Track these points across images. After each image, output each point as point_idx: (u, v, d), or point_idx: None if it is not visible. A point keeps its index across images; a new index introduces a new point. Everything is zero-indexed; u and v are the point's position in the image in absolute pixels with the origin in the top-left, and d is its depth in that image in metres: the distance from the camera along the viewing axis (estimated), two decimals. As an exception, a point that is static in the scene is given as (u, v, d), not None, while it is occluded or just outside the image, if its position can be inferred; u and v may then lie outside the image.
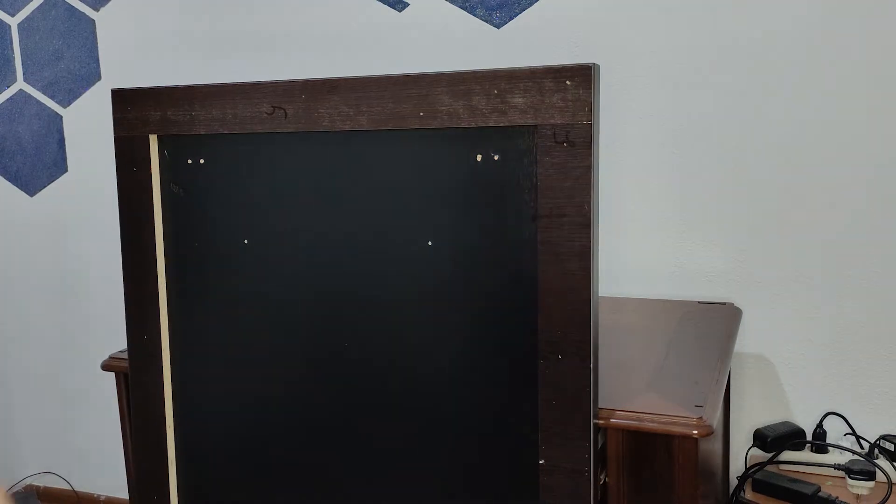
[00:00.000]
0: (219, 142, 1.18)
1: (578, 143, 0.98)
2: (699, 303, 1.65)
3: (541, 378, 1.03)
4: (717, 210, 1.66)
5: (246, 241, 1.18)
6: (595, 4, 1.68)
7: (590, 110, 0.97)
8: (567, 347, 1.01)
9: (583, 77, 0.97)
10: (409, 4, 1.82)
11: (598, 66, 0.99)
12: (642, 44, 1.66)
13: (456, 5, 1.78)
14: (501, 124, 1.00)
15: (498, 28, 1.76)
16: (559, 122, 0.98)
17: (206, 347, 1.25)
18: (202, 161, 1.20)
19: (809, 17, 1.54)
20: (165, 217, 1.23)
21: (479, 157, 1.03)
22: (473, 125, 1.02)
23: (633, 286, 1.74)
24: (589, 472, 1.03)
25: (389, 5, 1.84)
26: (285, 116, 1.11)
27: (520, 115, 1.00)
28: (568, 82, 0.97)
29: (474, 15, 1.77)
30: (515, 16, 1.75)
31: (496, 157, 1.02)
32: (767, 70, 1.58)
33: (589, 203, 0.99)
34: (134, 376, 1.29)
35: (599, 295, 1.74)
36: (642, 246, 1.72)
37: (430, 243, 1.07)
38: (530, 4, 1.73)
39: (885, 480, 1.45)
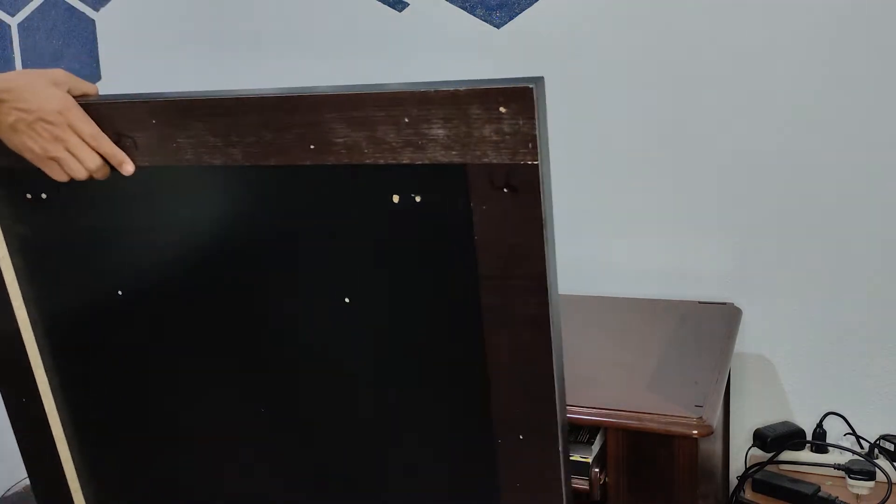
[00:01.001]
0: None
1: (522, 188, 0.74)
2: (699, 303, 1.64)
3: (501, 461, 0.85)
4: (717, 210, 1.65)
5: (120, 293, 0.96)
6: (595, 4, 1.68)
7: (535, 146, 0.73)
8: (529, 426, 0.83)
9: (522, 102, 0.71)
10: (408, 4, 1.82)
11: (542, 82, 0.73)
12: (642, 43, 1.66)
13: (456, 5, 1.78)
14: (419, 162, 0.76)
15: (498, 28, 1.76)
16: (495, 161, 0.74)
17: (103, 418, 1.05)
18: (44, 196, 0.95)
19: (809, 18, 1.54)
20: (17, 265, 1.00)
21: (395, 199, 0.79)
22: (381, 162, 0.77)
23: (633, 286, 1.73)
24: None
25: (389, 5, 1.83)
26: (135, 147, 0.87)
27: (442, 151, 0.75)
28: (502, 109, 0.72)
29: (474, 15, 1.77)
30: (515, 16, 1.74)
31: (417, 199, 0.79)
32: (767, 69, 1.58)
33: (543, 262, 0.77)
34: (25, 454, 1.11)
35: (600, 295, 1.74)
36: (642, 246, 1.72)
37: (346, 300, 0.85)
38: (530, 4, 1.73)
39: (885, 480, 1.45)
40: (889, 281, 1.57)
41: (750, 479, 1.50)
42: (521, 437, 0.83)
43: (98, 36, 2.14)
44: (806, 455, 1.56)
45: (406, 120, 0.75)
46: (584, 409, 1.14)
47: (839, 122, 1.56)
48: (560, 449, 0.83)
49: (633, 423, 1.11)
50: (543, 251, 0.77)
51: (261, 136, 0.80)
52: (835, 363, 1.62)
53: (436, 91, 0.73)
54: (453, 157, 0.75)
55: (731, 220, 1.65)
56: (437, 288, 0.82)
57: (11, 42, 2.23)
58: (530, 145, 0.73)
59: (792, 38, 1.56)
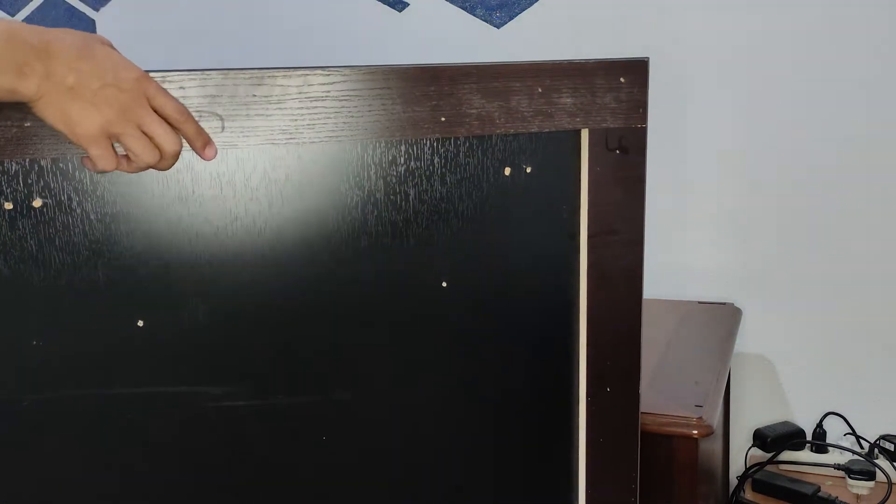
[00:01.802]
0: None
1: (632, 149, 0.86)
2: (699, 303, 1.64)
3: (588, 416, 0.90)
4: (717, 210, 1.65)
5: (141, 324, 0.78)
6: (595, 4, 1.68)
7: (644, 111, 0.86)
8: (615, 378, 0.90)
9: (638, 73, 0.85)
10: (409, 4, 1.82)
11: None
12: (643, 42, 1.65)
13: (456, 5, 1.78)
14: (546, 129, 0.83)
15: (498, 28, 1.76)
16: (612, 126, 0.85)
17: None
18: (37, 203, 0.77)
19: (809, 18, 1.54)
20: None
21: (507, 171, 0.84)
22: (511, 131, 0.82)
23: (633, 286, 1.73)
24: (636, 500, 0.94)
25: (389, 5, 1.83)
26: (221, 129, 0.79)
27: (568, 118, 0.83)
28: (622, 79, 0.84)
29: (474, 15, 1.77)
30: (515, 16, 1.74)
31: (528, 170, 0.84)
32: (768, 69, 1.58)
33: (642, 219, 0.89)
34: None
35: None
36: (642, 246, 1.72)
37: (444, 284, 0.85)
38: (530, 4, 1.73)
39: (885, 480, 1.45)
40: (889, 281, 1.57)
41: (750, 479, 1.50)
42: (608, 389, 0.89)
43: (98, 36, 2.14)
44: (806, 455, 1.56)
45: (539, 90, 0.82)
46: (585, 409, 1.14)
47: (839, 122, 1.55)
48: (639, 394, 0.90)
49: (634, 423, 1.11)
50: (643, 208, 0.89)
51: (392, 108, 0.81)
52: (835, 363, 1.62)
53: (569, 62, 0.82)
54: (577, 123, 0.83)
55: (731, 220, 1.65)
56: (534, 253, 0.87)
57: (11, 42, 2.23)
58: (641, 110, 0.86)
59: (792, 37, 1.56)
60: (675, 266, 1.70)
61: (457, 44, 1.79)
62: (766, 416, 1.67)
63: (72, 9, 2.15)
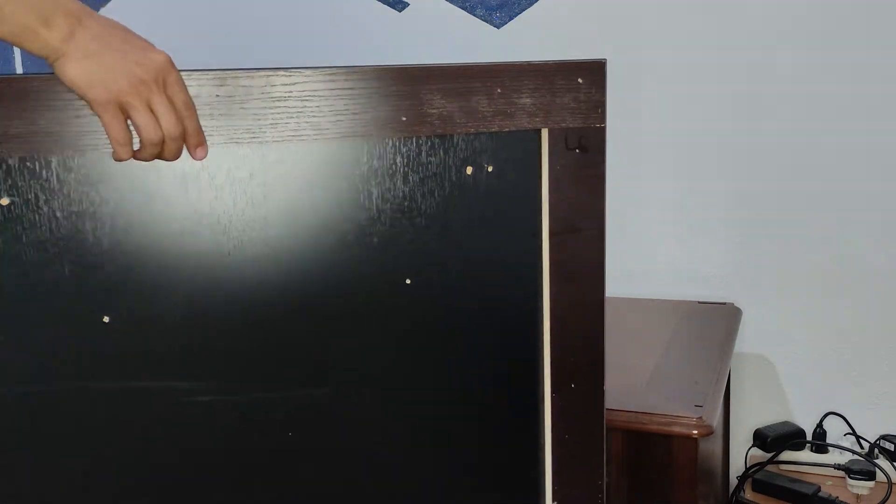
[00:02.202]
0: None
1: (591, 148, 0.87)
2: (699, 303, 1.64)
3: (553, 413, 0.91)
4: (717, 210, 1.65)
5: (107, 320, 0.78)
6: (595, 4, 1.68)
7: (603, 112, 0.88)
8: (579, 375, 0.92)
9: (596, 74, 0.87)
10: (409, 4, 1.82)
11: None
12: (643, 45, 1.66)
13: (456, 5, 1.78)
14: (506, 129, 0.85)
15: (498, 28, 1.76)
16: (571, 125, 0.87)
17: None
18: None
19: (811, 18, 1.54)
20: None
21: (469, 171, 0.86)
22: (472, 131, 0.85)
23: (633, 286, 1.73)
24: (603, 496, 0.96)
25: (389, 5, 1.83)
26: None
27: (528, 118, 0.86)
28: (580, 80, 0.86)
29: (474, 15, 1.77)
30: (515, 16, 1.74)
31: (490, 169, 0.86)
32: (768, 69, 1.58)
33: (603, 217, 0.90)
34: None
35: (599, 295, 1.74)
36: (642, 246, 1.72)
37: (408, 282, 0.86)
38: (530, 4, 1.73)
39: (885, 480, 1.45)
40: (889, 281, 1.57)
41: (750, 479, 1.50)
42: (573, 385, 0.91)
43: (98, 36, 2.14)
44: (806, 455, 1.56)
45: (499, 90, 0.84)
46: (585, 409, 1.14)
47: (840, 122, 1.56)
48: (604, 399, 0.92)
49: (633, 423, 1.11)
50: (604, 206, 0.89)
51: (355, 106, 0.84)
52: (835, 363, 1.62)
53: (528, 63, 0.85)
54: (537, 122, 0.86)
55: (731, 220, 1.65)
56: (497, 253, 0.89)
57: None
58: (599, 110, 0.87)
59: (793, 37, 1.56)
60: (675, 266, 1.70)
61: (457, 44, 1.79)
62: (766, 416, 1.67)
63: (72, 9, 2.15)
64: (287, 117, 0.82)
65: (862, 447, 1.57)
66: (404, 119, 0.83)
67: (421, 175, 0.85)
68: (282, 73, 0.81)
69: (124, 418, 0.80)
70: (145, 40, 0.77)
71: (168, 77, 0.77)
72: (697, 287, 1.69)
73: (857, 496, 1.46)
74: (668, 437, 1.10)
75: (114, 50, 0.73)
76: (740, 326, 1.57)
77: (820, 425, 1.60)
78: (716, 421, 1.12)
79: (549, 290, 0.89)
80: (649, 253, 1.72)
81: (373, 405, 0.88)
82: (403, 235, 0.85)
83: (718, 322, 1.51)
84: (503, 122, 0.85)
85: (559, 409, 0.91)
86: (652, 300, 1.67)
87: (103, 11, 2.13)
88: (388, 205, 0.85)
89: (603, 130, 0.88)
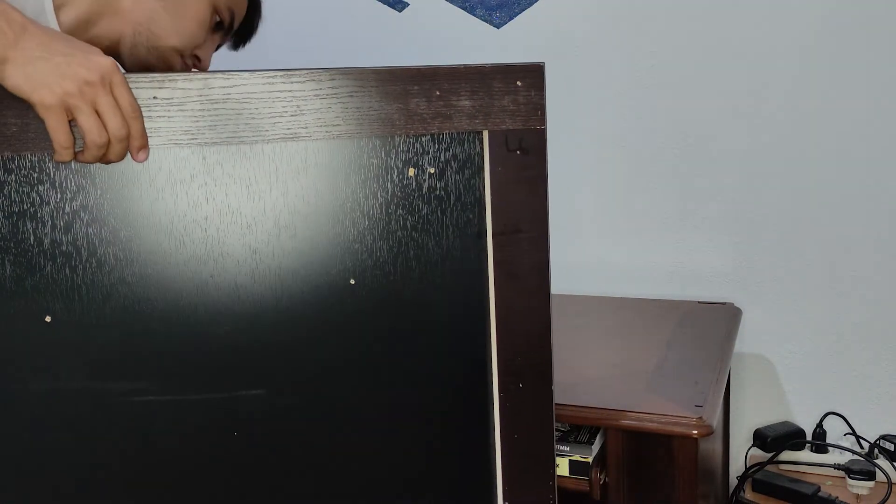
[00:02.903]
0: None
1: (532, 150, 0.88)
2: (699, 303, 1.65)
3: (502, 413, 0.92)
4: (717, 210, 1.66)
5: (48, 319, 0.79)
6: (595, 4, 1.68)
7: (543, 114, 0.89)
8: (527, 374, 0.92)
9: (534, 77, 0.88)
10: (409, 4, 1.82)
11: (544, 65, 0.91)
12: (643, 43, 1.66)
13: (456, 5, 1.78)
14: (445, 131, 0.87)
15: (498, 28, 1.76)
16: (511, 127, 0.88)
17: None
18: None
19: (809, 18, 1.54)
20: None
21: (411, 172, 0.87)
22: (411, 133, 0.86)
23: (633, 286, 1.74)
24: (554, 497, 0.95)
25: (389, 5, 1.84)
26: None
27: (467, 120, 0.87)
28: (519, 83, 0.88)
29: (474, 15, 1.77)
30: (515, 16, 1.74)
31: (431, 171, 0.87)
32: (768, 69, 1.58)
33: (546, 218, 0.90)
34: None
35: (600, 295, 1.74)
36: (642, 246, 1.72)
37: (352, 282, 0.87)
38: (530, 4, 1.73)
39: (885, 480, 1.45)
40: (889, 281, 1.57)
41: (750, 479, 1.50)
42: (521, 385, 0.91)
43: (98, 36, 2.14)
44: (806, 455, 1.56)
45: (437, 93, 0.87)
46: (584, 409, 1.14)
47: (839, 122, 1.56)
48: (553, 396, 0.92)
49: (633, 423, 1.11)
50: (547, 207, 0.89)
51: (293, 110, 0.85)
52: (835, 363, 1.62)
53: (465, 66, 0.87)
54: (477, 125, 0.87)
55: (731, 220, 1.65)
56: (441, 253, 0.89)
57: (11, 42, 2.23)
58: (539, 113, 0.88)
59: (792, 38, 1.56)
60: (675, 266, 1.70)
61: (457, 44, 1.79)
62: (766, 416, 1.67)
63: (72, 9, 2.15)
64: (226, 119, 0.82)
65: (862, 447, 1.57)
66: (346, 121, 0.85)
67: (363, 177, 0.86)
68: (220, 75, 0.83)
69: (64, 418, 0.81)
70: (90, 45, 0.78)
71: (113, 78, 0.77)
72: (697, 287, 1.69)
73: (857, 496, 1.46)
74: (668, 437, 1.10)
75: (59, 54, 0.74)
76: (740, 326, 1.57)
77: (820, 425, 1.60)
78: (716, 421, 1.12)
79: (495, 291, 0.90)
80: (649, 253, 1.72)
81: (317, 407, 0.88)
82: (346, 236, 0.86)
83: (718, 322, 1.51)
84: (443, 125, 0.86)
85: (507, 409, 0.91)
86: (652, 300, 1.67)
87: (103, 11, 2.13)
88: (330, 206, 0.85)
89: (543, 132, 0.89)
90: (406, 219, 0.87)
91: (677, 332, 1.45)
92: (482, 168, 0.88)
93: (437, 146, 0.87)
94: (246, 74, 0.85)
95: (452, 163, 0.88)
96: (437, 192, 0.88)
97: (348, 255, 0.86)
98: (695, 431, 1.08)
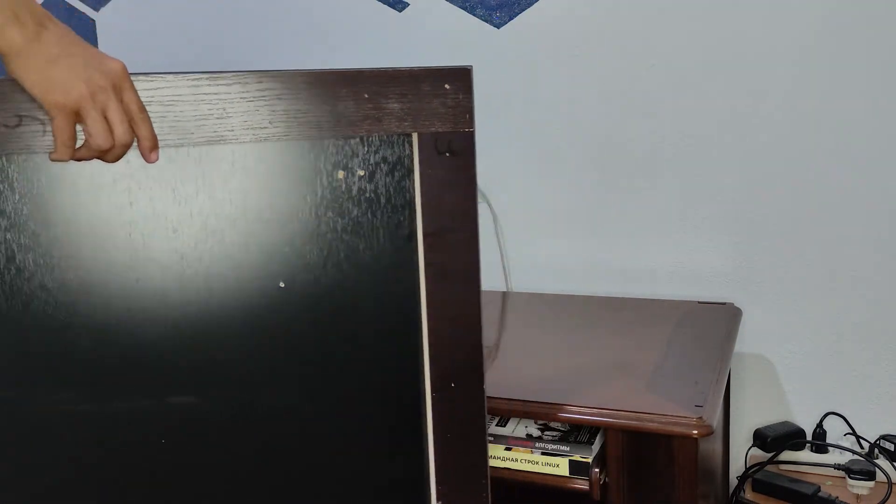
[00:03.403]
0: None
1: (461, 152, 0.90)
2: (699, 303, 1.64)
3: (434, 412, 0.93)
4: (717, 210, 1.66)
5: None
6: (595, 4, 1.68)
7: (471, 117, 0.90)
8: (459, 373, 0.93)
9: (463, 81, 0.89)
10: (409, 4, 1.82)
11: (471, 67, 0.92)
12: (643, 43, 1.66)
13: (456, 5, 1.78)
14: (375, 134, 0.87)
15: (498, 28, 1.76)
16: (440, 130, 0.89)
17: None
18: None
19: (809, 18, 1.54)
20: None
21: (340, 175, 0.87)
22: (340, 136, 0.86)
23: (633, 286, 1.73)
24: (487, 495, 0.97)
25: (389, 5, 1.83)
26: (43, 133, 0.76)
27: (397, 123, 0.87)
28: (447, 86, 0.90)
29: (474, 15, 1.77)
30: (515, 16, 1.74)
31: (361, 173, 0.88)
32: (768, 69, 1.58)
33: (475, 219, 0.91)
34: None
35: (599, 295, 1.74)
36: (642, 246, 1.72)
37: (281, 285, 0.87)
38: (530, 4, 1.73)
39: (885, 480, 1.45)
40: (889, 281, 1.57)
41: (750, 479, 1.50)
42: (453, 384, 0.93)
43: (98, 36, 2.14)
44: (806, 455, 1.56)
45: (366, 95, 0.86)
46: (584, 409, 1.14)
47: (839, 122, 1.56)
48: (484, 394, 0.94)
49: (633, 423, 1.11)
50: (476, 207, 0.91)
51: (220, 113, 0.83)
52: (835, 363, 1.62)
53: (394, 69, 0.88)
54: (406, 127, 0.88)
55: (731, 220, 1.65)
56: (372, 255, 0.89)
57: (11, 42, 2.23)
58: (467, 116, 0.89)
59: (792, 38, 1.56)
60: (675, 266, 1.70)
61: (457, 44, 1.79)
62: (766, 416, 1.67)
63: (72, 9, 2.15)
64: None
65: (862, 447, 1.57)
66: (276, 123, 0.84)
67: (291, 180, 0.86)
68: (143, 77, 0.82)
69: None
70: (97, 49, 0.78)
71: (123, 84, 0.77)
72: (697, 287, 1.69)
73: (857, 496, 1.46)
74: (668, 437, 1.10)
75: (75, 56, 0.74)
76: (740, 326, 1.57)
77: (820, 425, 1.60)
78: (716, 421, 1.12)
79: (426, 292, 0.90)
80: (649, 253, 1.72)
81: (247, 412, 0.87)
82: (275, 240, 0.86)
83: (718, 322, 1.51)
84: (371, 127, 0.87)
85: (440, 409, 0.92)
86: (652, 300, 1.67)
87: (103, 11, 2.13)
88: (259, 210, 0.85)
89: (472, 135, 0.90)
90: (336, 221, 0.88)
91: (677, 332, 1.45)
92: (412, 170, 0.89)
93: (366, 149, 0.88)
94: (170, 77, 0.84)
95: (382, 165, 0.88)
96: (367, 195, 0.88)
97: (277, 259, 0.86)
98: (695, 431, 1.08)
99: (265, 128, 0.84)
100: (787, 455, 1.56)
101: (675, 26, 1.63)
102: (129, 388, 0.83)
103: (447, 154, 0.90)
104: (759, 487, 1.48)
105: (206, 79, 0.84)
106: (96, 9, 2.12)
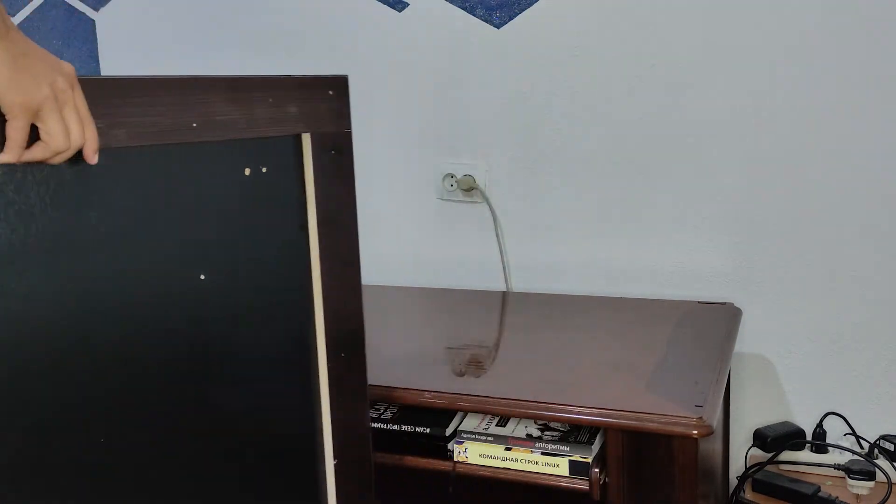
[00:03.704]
0: None
1: (344, 150, 1.02)
2: (699, 303, 1.65)
3: (330, 380, 1.04)
4: (717, 210, 1.66)
5: None
6: (595, 4, 1.68)
7: (348, 119, 1.03)
8: (348, 345, 1.05)
9: (341, 88, 1.02)
10: (408, 4, 1.82)
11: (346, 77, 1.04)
12: (643, 43, 1.66)
13: (456, 5, 1.78)
14: (279, 134, 0.98)
15: (498, 28, 1.76)
16: (327, 130, 1.01)
17: None
18: None
19: (809, 19, 1.54)
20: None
21: (247, 172, 0.96)
22: (252, 136, 0.95)
23: (634, 286, 1.74)
24: (371, 463, 1.09)
25: (389, 5, 1.83)
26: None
27: (294, 124, 0.98)
28: (331, 92, 1.01)
29: (474, 15, 1.77)
30: (515, 16, 1.74)
31: (264, 170, 0.98)
32: (768, 70, 1.58)
33: (354, 207, 1.05)
34: None
35: (600, 295, 1.75)
36: (642, 246, 1.72)
37: (202, 277, 0.92)
38: (530, 4, 1.73)
39: (885, 480, 1.45)
40: (889, 281, 1.57)
41: (750, 479, 1.50)
42: (343, 354, 1.05)
43: (98, 36, 2.14)
44: (806, 455, 1.56)
45: (270, 100, 0.96)
46: (584, 409, 1.14)
47: (839, 122, 1.56)
48: (366, 361, 1.08)
49: (633, 423, 1.11)
50: (355, 200, 1.04)
51: (146, 116, 0.87)
52: (835, 363, 1.62)
53: (292, 77, 0.98)
54: (300, 128, 0.99)
55: (731, 220, 1.65)
56: (275, 243, 0.99)
57: (11, 42, 2.23)
58: (346, 118, 1.02)
59: (792, 38, 1.56)
60: (675, 266, 1.70)
61: (457, 44, 1.79)
62: (766, 416, 1.67)
63: (72, 9, 2.15)
64: None
65: (862, 447, 1.57)
66: (194, 125, 0.90)
67: (209, 177, 0.91)
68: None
69: None
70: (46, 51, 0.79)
71: (75, 87, 0.78)
72: (697, 287, 1.69)
73: (857, 496, 1.46)
74: (668, 437, 1.10)
75: (37, 58, 0.75)
76: (740, 326, 1.57)
77: (820, 425, 1.60)
78: (716, 421, 1.12)
79: (320, 274, 1.01)
80: (649, 253, 1.72)
81: (147, 400, 0.90)
82: (183, 236, 0.90)
83: (718, 322, 1.51)
84: (276, 128, 0.96)
85: (334, 374, 1.04)
86: (652, 300, 1.67)
87: (103, 11, 2.13)
88: (178, 205, 0.90)
89: (349, 135, 1.03)
90: (244, 215, 0.95)
91: (677, 332, 1.45)
92: (306, 167, 1.00)
93: (268, 148, 0.97)
94: (97, 80, 0.86)
95: (282, 162, 0.98)
96: (270, 190, 0.97)
97: (194, 252, 0.92)
98: (695, 431, 1.08)
99: (187, 129, 0.89)
100: (787, 455, 1.56)
101: (675, 26, 1.63)
102: (43, 379, 0.83)
103: (332, 152, 1.02)
104: (759, 487, 1.48)
105: (127, 84, 0.87)
106: (96, 9, 2.12)
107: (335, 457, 1.06)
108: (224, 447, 0.97)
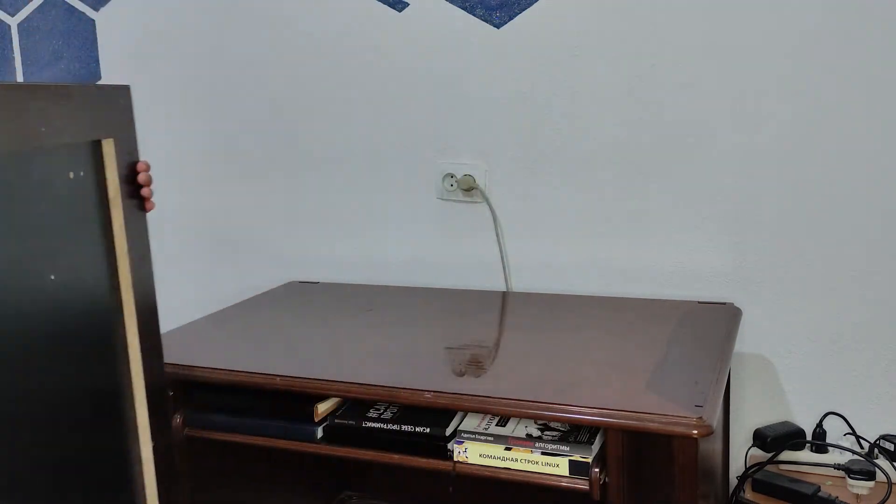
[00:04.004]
0: None
1: (133, 153, 1.14)
2: (699, 303, 1.65)
3: (145, 366, 1.17)
4: (717, 210, 1.66)
5: None
6: (595, 4, 1.68)
7: (133, 124, 1.15)
8: (149, 319, 1.18)
9: (125, 97, 1.13)
10: (409, 4, 1.82)
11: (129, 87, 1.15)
12: (642, 43, 1.66)
13: (456, 5, 1.78)
14: (91, 139, 1.07)
15: (498, 28, 1.76)
16: (125, 135, 1.12)
17: None
18: None
19: (808, 18, 1.54)
20: None
21: (71, 175, 1.06)
22: (67, 140, 1.03)
23: (634, 286, 1.74)
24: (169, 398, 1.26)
25: (389, 5, 1.83)
26: None
27: (93, 130, 1.07)
28: (121, 101, 1.13)
29: (474, 15, 1.77)
30: (515, 16, 1.75)
31: (81, 174, 1.07)
32: (768, 69, 1.58)
33: (143, 207, 1.16)
34: None
35: (600, 295, 1.74)
36: (642, 246, 1.72)
37: (52, 277, 1.03)
38: (530, 4, 1.73)
39: (885, 480, 1.45)
40: (889, 281, 1.57)
41: (750, 479, 1.50)
42: (146, 325, 1.18)
43: (98, 36, 2.14)
44: (806, 455, 1.56)
45: (71, 107, 1.03)
46: (584, 409, 1.14)
47: (839, 121, 1.56)
48: (159, 329, 1.22)
49: (633, 423, 1.11)
50: (150, 195, 1.16)
51: None
52: (835, 363, 1.62)
53: (94, 85, 1.08)
54: (102, 134, 1.09)
55: (731, 220, 1.65)
56: (95, 238, 1.10)
57: (11, 42, 2.23)
58: (132, 123, 1.14)
59: (792, 37, 1.56)
60: (675, 266, 1.70)
61: (457, 44, 1.79)
62: (766, 416, 1.67)
63: (72, 9, 2.15)
64: None
65: (862, 447, 1.57)
66: (44, 129, 0.99)
67: (33, 181, 0.99)
68: None
69: None
70: None
71: None
72: (697, 287, 1.69)
73: (857, 496, 1.46)
74: (668, 437, 1.10)
75: None
76: (740, 326, 1.57)
77: (820, 425, 1.60)
78: (716, 421, 1.12)
79: (129, 263, 1.14)
80: (649, 253, 1.72)
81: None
82: (28, 233, 0.98)
83: (718, 322, 1.51)
84: (86, 134, 1.06)
85: (144, 346, 1.17)
86: (652, 300, 1.67)
87: (103, 11, 2.13)
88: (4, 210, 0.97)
89: (135, 138, 1.15)
90: (62, 218, 1.04)
91: (677, 332, 1.45)
92: (111, 168, 1.10)
93: (80, 152, 1.07)
94: None
95: (92, 165, 1.08)
96: (85, 191, 1.07)
97: (43, 252, 1.00)
98: (695, 431, 1.08)
99: (36, 132, 0.97)
100: (786, 455, 1.56)
101: (676, 26, 1.63)
102: None
103: (127, 154, 1.12)
104: (759, 487, 1.48)
105: None
106: (96, 9, 2.12)
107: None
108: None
